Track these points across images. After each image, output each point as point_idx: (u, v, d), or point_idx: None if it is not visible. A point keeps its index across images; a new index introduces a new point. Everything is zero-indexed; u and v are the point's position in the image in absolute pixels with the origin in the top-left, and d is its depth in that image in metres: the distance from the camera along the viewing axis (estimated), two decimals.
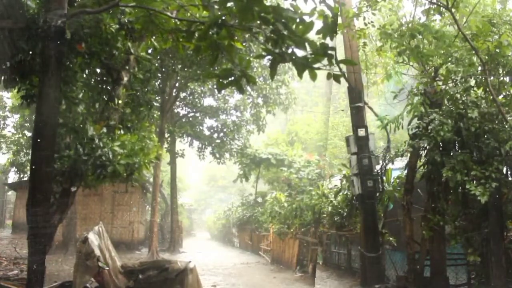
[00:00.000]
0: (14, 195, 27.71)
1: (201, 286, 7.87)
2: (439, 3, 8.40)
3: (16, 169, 25.67)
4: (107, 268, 7.12)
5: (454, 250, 9.66)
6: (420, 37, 8.41)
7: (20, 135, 24.50)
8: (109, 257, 7.59)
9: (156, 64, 15.00)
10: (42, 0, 7.60)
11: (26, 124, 23.30)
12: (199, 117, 27.53)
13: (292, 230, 17.75)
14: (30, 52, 8.02)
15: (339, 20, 9.66)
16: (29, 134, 23.04)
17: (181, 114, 27.26)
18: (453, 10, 8.02)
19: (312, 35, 4.98)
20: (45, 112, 6.17)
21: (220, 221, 40.55)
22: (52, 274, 13.31)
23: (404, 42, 8.40)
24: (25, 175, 24.18)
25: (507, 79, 8.77)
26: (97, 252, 7.02)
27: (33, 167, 6.21)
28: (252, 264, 20.60)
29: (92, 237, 7.23)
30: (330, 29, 4.89)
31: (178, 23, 6.25)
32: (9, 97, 24.01)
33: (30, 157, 6.72)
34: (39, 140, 6.19)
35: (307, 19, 4.81)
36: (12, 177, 29.68)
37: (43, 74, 6.23)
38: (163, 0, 6.08)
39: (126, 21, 8.42)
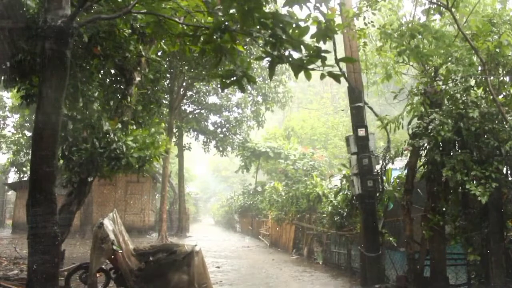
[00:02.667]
0: (14, 195, 26.47)
1: (206, 267, 7.66)
2: (439, 3, 7.92)
3: (16, 169, 24.36)
4: (121, 251, 6.91)
5: (454, 250, 9.04)
6: (420, 37, 7.91)
7: (20, 135, 23.36)
8: (123, 241, 7.36)
9: (165, 66, 14.88)
10: (42, 0, 7.22)
11: (26, 124, 22.24)
12: (204, 114, 27.61)
13: (288, 216, 17.58)
14: (30, 52, 7.72)
15: (339, 20, 9.23)
16: (29, 134, 21.92)
17: (187, 111, 27.27)
18: (453, 10, 7.52)
19: (307, 39, 5.08)
20: (46, 112, 5.74)
21: (223, 208, 40.46)
22: (71, 256, 13.06)
23: (404, 42, 7.94)
24: (25, 175, 22.93)
25: (507, 79, 8.20)
26: (112, 236, 6.79)
27: (33, 167, 5.79)
28: (252, 248, 20.41)
29: (107, 223, 6.99)
30: (323, 33, 5.01)
31: (185, 28, 6.24)
32: (9, 97, 22.80)
33: (30, 157, 6.31)
34: (39, 140, 5.76)
35: (302, 24, 4.94)
36: (12, 177, 28.32)
37: (43, 74, 5.84)
38: (172, 7, 6.05)
39: (138, 26, 8.29)
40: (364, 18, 8.51)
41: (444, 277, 8.48)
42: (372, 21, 8.63)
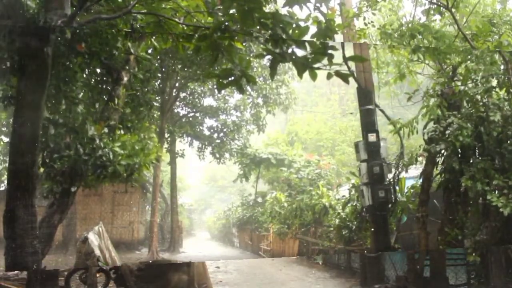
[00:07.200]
0: None
1: (206, 267, 8.16)
2: (439, 3, 8.30)
3: None
4: (107, 268, 7.20)
5: (454, 250, 9.39)
6: (420, 37, 8.17)
7: None
8: (109, 257, 7.68)
9: (156, 64, 15.05)
10: (42, 0, 7.58)
11: (3, 129, 22.21)
12: (199, 117, 27.52)
13: (292, 230, 17.81)
14: (8, 50, 7.70)
15: (339, 20, 9.58)
16: (6, 139, 21.80)
17: (181, 114, 27.22)
18: (453, 10, 7.91)
19: (308, 39, 5.34)
20: (25, 115, 5.95)
21: (220, 221, 40.49)
22: None
23: (404, 42, 8.25)
24: (1, 185, 22.87)
25: None
26: (97, 252, 7.12)
27: (11, 176, 5.94)
28: (252, 265, 20.60)
29: (92, 237, 7.31)
30: (323, 33, 5.34)
31: (185, 28, 6.60)
32: None
33: (7, 165, 6.47)
34: (17, 146, 5.94)
35: (302, 24, 5.25)
36: None
37: (21, 74, 6.04)
38: (172, 7, 6.49)
39: (138, 26, 8.51)
40: (364, 18, 8.83)
41: (444, 277, 8.72)
42: (372, 21, 8.94)
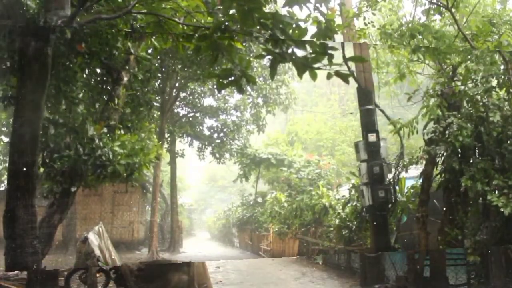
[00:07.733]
0: None
1: (206, 267, 8.19)
2: (439, 3, 8.32)
3: None
4: (107, 268, 7.24)
5: (454, 250, 9.42)
6: (420, 37, 8.19)
7: None
8: (109, 257, 7.70)
9: (156, 64, 15.08)
10: (42, 0, 7.59)
11: (3, 129, 22.25)
12: (199, 117, 27.50)
13: (292, 230, 17.83)
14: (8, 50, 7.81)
15: (339, 20, 9.61)
16: (6, 139, 21.80)
17: (181, 114, 27.21)
18: (453, 10, 7.93)
19: (308, 39, 5.36)
20: (25, 115, 5.97)
21: (220, 221, 40.51)
22: None
23: (404, 42, 8.27)
24: (2, 185, 22.87)
25: None
26: (97, 252, 7.14)
27: (11, 176, 5.96)
28: (253, 265, 20.65)
29: (92, 237, 7.34)
30: (323, 33, 5.38)
31: (185, 28, 6.65)
32: None
33: (7, 165, 6.48)
34: (17, 146, 5.95)
35: (302, 24, 5.27)
36: None
37: (22, 74, 6.05)
38: (172, 7, 6.52)
39: (138, 26, 8.53)
40: (364, 18, 8.85)
41: (444, 277, 8.74)
42: (372, 21, 8.96)
